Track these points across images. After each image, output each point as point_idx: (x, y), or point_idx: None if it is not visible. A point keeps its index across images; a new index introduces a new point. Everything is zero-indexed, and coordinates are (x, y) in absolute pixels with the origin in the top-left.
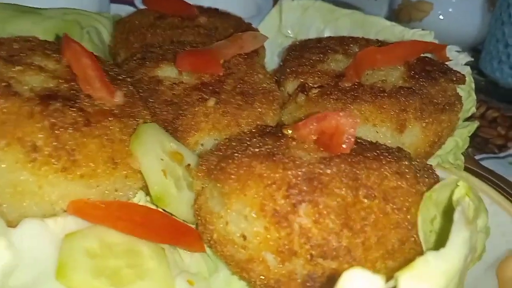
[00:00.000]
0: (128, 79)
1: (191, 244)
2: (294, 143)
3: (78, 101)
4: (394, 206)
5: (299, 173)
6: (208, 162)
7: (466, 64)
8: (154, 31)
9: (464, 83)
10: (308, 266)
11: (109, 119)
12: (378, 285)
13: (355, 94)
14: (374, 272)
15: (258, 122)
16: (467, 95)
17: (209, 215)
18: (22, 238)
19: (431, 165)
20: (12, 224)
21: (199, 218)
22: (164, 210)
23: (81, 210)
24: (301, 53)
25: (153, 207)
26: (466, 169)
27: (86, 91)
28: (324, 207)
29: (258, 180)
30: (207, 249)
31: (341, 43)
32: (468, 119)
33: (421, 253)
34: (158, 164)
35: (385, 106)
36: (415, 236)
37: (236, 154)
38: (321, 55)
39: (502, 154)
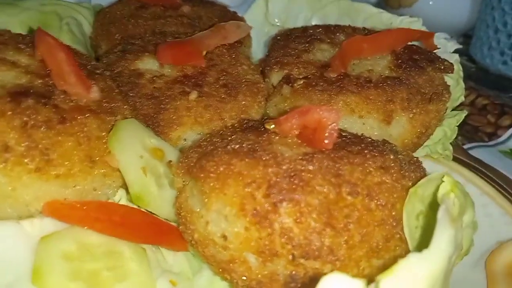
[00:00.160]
0: (107, 73)
1: (173, 243)
2: (276, 138)
3: (52, 97)
4: (379, 203)
5: (280, 170)
6: (188, 159)
7: (455, 51)
8: (135, 21)
9: (452, 72)
10: (290, 266)
11: (86, 115)
12: None
13: (341, 85)
14: (357, 272)
15: (242, 116)
16: (456, 84)
17: (189, 214)
18: None
19: (417, 158)
20: None
21: (180, 217)
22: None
23: (57, 211)
24: (286, 42)
25: (134, 206)
26: (455, 159)
27: (61, 87)
28: (305, 205)
29: (238, 179)
30: (191, 248)
31: (327, 31)
32: (457, 107)
33: (406, 250)
34: (137, 162)
35: (371, 97)
36: (400, 232)
37: (216, 151)
38: (307, 45)
39: (491, 142)
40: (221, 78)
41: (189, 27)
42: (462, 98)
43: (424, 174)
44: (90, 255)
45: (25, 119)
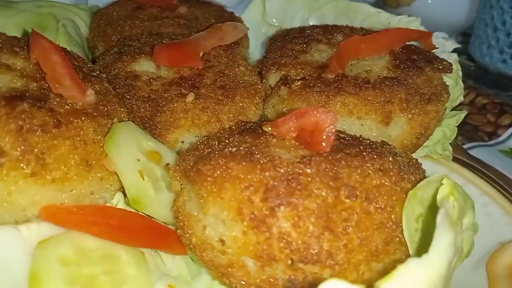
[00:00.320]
0: (103, 75)
1: (172, 247)
2: (274, 140)
3: (48, 101)
4: (378, 206)
5: (278, 174)
6: (185, 162)
7: (454, 50)
8: (132, 22)
9: (450, 72)
10: (289, 271)
11: (82, 119)
12: None
13: (339, 86)
14: (357, 277)
15: (239, 117)
16: (455, 84)
17: (187, 218)
18: None
19: (416, 159)
20: None
21: (177, 221)
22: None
23: (54, 216)
24: (284, 43)
25: (132, 209)
26: (455, 159)
27: (56, 90)
28: (303, 209)
29: (235, 182)
30: (189, 252)
31: (325, 32)
32: (456, 107)
33: (406, 253)
34: (134, 165)
35: (369, 98)
36: (400, 235)
37: (213, 154)
38: (304, 45)
39: (491, 142)
40: (218, 80)
41: (186, 28)
42: (461, 98)
43: (423, 175)
44: (87, 259)
45: (20, 123)
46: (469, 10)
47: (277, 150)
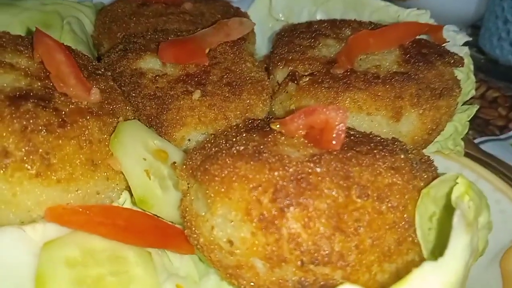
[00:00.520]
0: (109, 73)
1: (179, 246)
2: (282, 138)
3: (52, 100)
4: (390, 205)
5: (287, 174)
6: (192, 161)
7: (465, 44)
8: (137, 19)
9: (462, 66)
10: (299, 272)
11: (87, 118)
12: None
13: (348, 81)
14: (369, 278)
15: (247, 114)
16: (466, 78)
17: (194, 218)
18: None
19: (428, 156)
20: None
21: (185, 220)
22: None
23: (59, 217)
24: (291, 38)
25: (138, 209)
26: (466, 154)
27: (61, 89)
28: (313, 210)
29: (243, 182)
30: (197, 252)
31: (333, 26)
32: (467, 101)
33: (420, 253)
34: (140, 165)
35: (379, 94)
36: (413, 235)
37: (220, 153)
38: (312, 40)
39: (503, 136)
40: (225, 77)
41: (191, 24)
42: (473, 92)
43: (436, 173)
44: (94, 260)
45: (24, 123)
46: (479, 2)
47: (285, 148)
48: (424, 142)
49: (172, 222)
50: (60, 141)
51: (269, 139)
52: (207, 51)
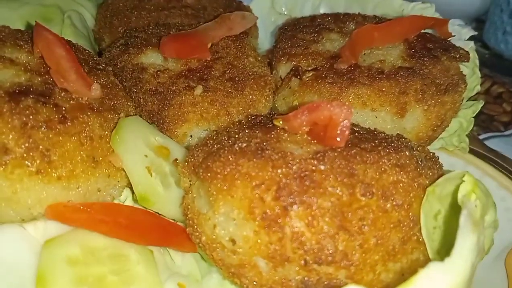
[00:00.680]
0: (110, 68)
1: (181, 244)
2: (285, 135)
3: (52, 96)
4: (394, 203)
5: (290, 171)
6: (194, 158)
7: (470, 38)
8: (138, 13)
9: (468, 61)
10: (303, 271)
11: (87, 114)
12: None
13: (352, 76)
14: (373, 277)
15: (249, 110)
16: (471, 73)
17: (196, 216)
18: (0, 245)
19: (433, 153)
20: None
21: (187, 218)
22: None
23: (60, 214)
24: (294, 33)
25: (140, 206)
26: (471, 151)
27: (61, 84)
28: (317, 208)
29: (246, 180)
30: (199, 250)
31: (336, 20)
32: (472, 97)
33: (424, 252)
34: (142, 161)
35: (384, 89)
36: (417, 234)
37: (222, 150)
38: (315, 35)
39: (507, 132)
40: (227, 72)
41: (193, 18)
42: (478, 88)
43: (441, 170)
44: (95, 259)
45: (24, 119)
46: None
47: (289, 145)
48: (429, 138)
49: (173, 220)
50: (61, 138)
51: (272, 136)
52: (209, 45)
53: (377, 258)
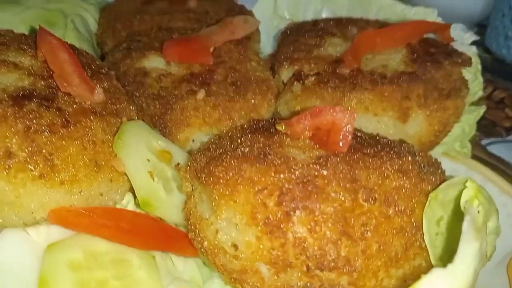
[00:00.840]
0: (112, 72)
1: (183, 249)
2: (288, 140)
3: (55, 100)
4: (397, 209)
5: (293, 176)
6: (196, 162)
7: (472, 43)
8: (141, 17)
9: (470, 66)
10: (305, 277)
11: (90, 118)
12: None
13: (354, 81)
14: (375, 283)
15: (251, 115)
16: (474, 78)
17: (198, 221)
18: (2, 249)
19: (436, 159)
20: None
21: (189, 223)
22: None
23: (62, 219)
24: (296, 37)
25: (142, 211)
26: (474, 157)
27: (64, 88)
28: (320, 214)
29: (249, 185)
30: (201, 255)
31: (339, 25)
32: (474, 102)
33: (427, 258)
34: (144, 166)
35: (386, 94)
36: (420, 240)
37: (225, 155)
38: (318, 39)
39: (510, 138)
40: (230, 76)
41: (196, 22)
42: (480, 93)
43: (443, 176)
44: (97, 263)
45: (28, 123)
46: (485, 1)
47: (291, 150)
48: (431, 143)
49: (175, 225)
50: (64, 142)
51: (275, 141)
52: (211, 50)
53: (379, 264)
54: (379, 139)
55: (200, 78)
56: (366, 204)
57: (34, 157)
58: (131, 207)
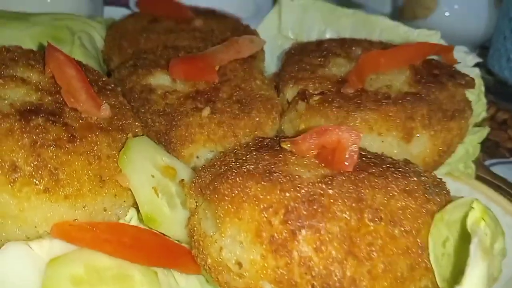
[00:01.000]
0: (118, 89)
1: (185, 266)
2: (293, 158)
3: (62, 115)
4: (403, 229)
5: (298, 195)
6: (201, 179)
7: (475, 65)
8: (147, 35)
9: (473, 87)
10: None
11: (96, 133)
12: None
13: (359, 101)
14: None
15: (256, 132)
16: (477, 99)
17: (202, 238)
18: (5, 263)
19: (441, 179)
20: None
21: (192, 240)
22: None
23: (66, 233)
24: (301, 56)
25: (145, 226)
26: (477, 177)
27: (71, 104)
28: (326, 233)
29: (254, 203)
30: (204, 272)
31: (343, 45)
32: (478, 123)
33: (433, 279)
34: (149, 182)
35: (390, 114)
36: (426, 261)
37: (230, 172)
38: (322, 59)
39: None
40: (235, 94)
41: (202, 41)
42: (484, 114)
43: (448, 196)
44: (99, 278)
45: (34, 138)
46: (487, 23)
47: (296, 168)
48: (435, 164)
49: (178, 241)
50: (69, 157)
51: (280, 159)
52: (217, 68)
53: (385, 284)
54: (384, 158)
55: (206, 96)
56: (371, 224)
57: (40, 171)
58: (134, 222)
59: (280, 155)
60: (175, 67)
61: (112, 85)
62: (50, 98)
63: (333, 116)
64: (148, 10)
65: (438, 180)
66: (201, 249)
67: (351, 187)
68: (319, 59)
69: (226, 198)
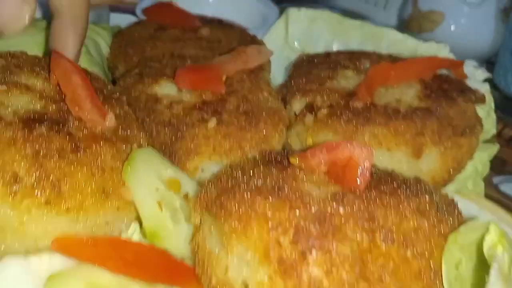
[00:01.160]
0: (124, 98)
1: (188, 284)
2: (302, 174)
3: (66, 124)
4: (415, 251)
5: (309, 213)
6: (207, 194)
7: (485, 80)
8: (153, 43)
9: (484, 103)
10: None
11: (100, 144)
12: None
13: (368, 115)
14: None
15: (262, 145)
16: (486, 115)
17: (207, 256)
18: (2, 277)
19: (453, 199)
20: None
21: (196, 258)
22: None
23: (66, 248)
24: (309, 69)
25: (147, 241)
26: (485, 195)
27: (76, 113)
28: (337, 254)
29: (262, 221)
30: None
31: (351, 58)
32: (487, 140)
33: None
34: (153, 195)
35: (400, 129)
36: (438, 284)
37: (237, 187)
38: (330, 71)
39: None
40: (241, 105)
41: (208, 50)
42: (494, 131)
43: (461, 217)
44: None
45: (37, 147)
46: (494, 37)
47: (306, 184)
48: (444, 181)
49: (182, 258)
50: (72, 168)
51: (288, 174)
52: (224, 78)
53: None
54: (394, 176)
55: (212, 107)
56: (384, 245)
57: (41, 183)
58: (136, 236)
59: (289, 170)
60: (181, 77)
61: (118, 94)
62: (54, 106)
63: (341, 130)
64: (154, 18)
65: (450, 200)
66: (206, 268)
67: (362, 206)
68: (328, 71)
69: (233, 214)
